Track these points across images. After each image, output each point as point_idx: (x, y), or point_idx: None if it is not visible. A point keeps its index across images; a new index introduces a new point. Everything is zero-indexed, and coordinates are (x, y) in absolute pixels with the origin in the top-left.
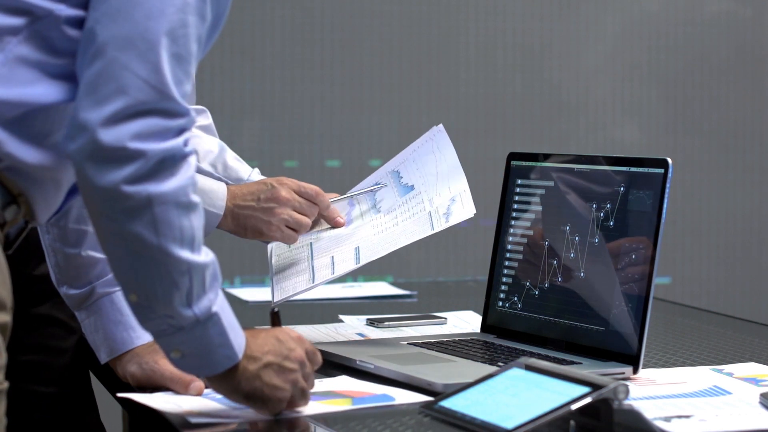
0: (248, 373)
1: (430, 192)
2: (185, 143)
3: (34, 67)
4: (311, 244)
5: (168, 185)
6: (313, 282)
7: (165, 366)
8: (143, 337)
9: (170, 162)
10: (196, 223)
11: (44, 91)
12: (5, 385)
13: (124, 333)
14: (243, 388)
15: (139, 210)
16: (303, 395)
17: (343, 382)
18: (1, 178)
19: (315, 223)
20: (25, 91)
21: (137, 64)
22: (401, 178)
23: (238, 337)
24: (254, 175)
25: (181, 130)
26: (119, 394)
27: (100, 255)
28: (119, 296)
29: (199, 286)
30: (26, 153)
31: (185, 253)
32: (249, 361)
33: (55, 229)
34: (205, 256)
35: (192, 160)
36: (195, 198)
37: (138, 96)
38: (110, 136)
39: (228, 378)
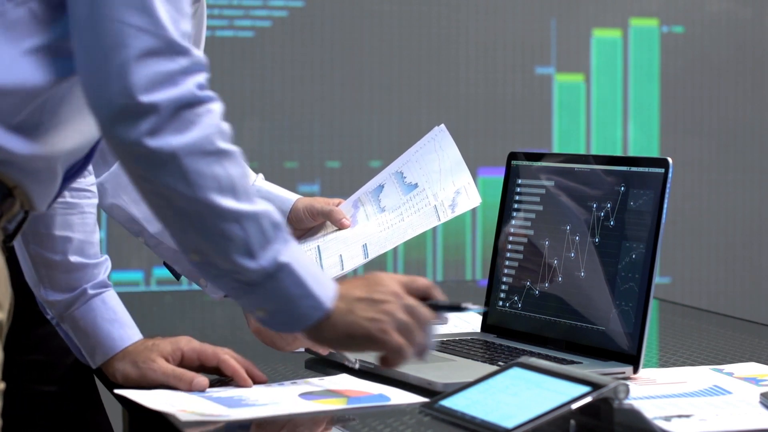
0: (340, 312)
1: (434, 188)
2: (199, 87)
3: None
4: (318, 246)
5: (190, 136)
6: None
7: (163, 364)
8: (138, 335)
9: (186, 110)
10: (233, 171)
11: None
12: (1, 385)
13: (120, 330)
14: (340, 328)
15: (166, 164)
16: (408, 330)
17: (342, 381)
18: None
19: (321, 227)
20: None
21: (125, 13)
22: (405, 178)
23: (323, 287)
24: (259, 180)
25: (187, 71)
26: (116, 391)
27: (88, 260)
28: (110, 295)
29: (259, 236)
30: (18, 145)
31: (228, 202)
32: (339, 300)
33: (40, 237)
34: (256, 205)
35: (214, 107)
36: (225, 145)
37: (136, 44)
38: (121, 93)
39: (323, 327)
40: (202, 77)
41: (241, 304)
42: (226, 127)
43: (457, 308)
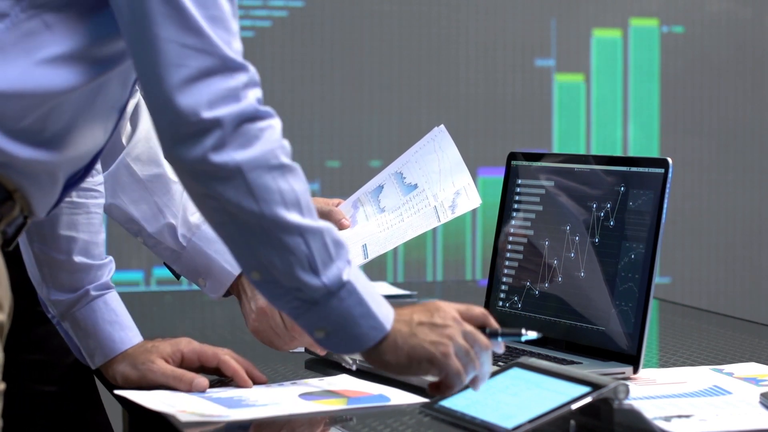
0: (403, 334)
1: (434, 188)
2: (258, 102)
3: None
4: None
5: (254, 150)
6: None
7: (163, 365)
8: (138, 337)
9: (248, 123)
10: (298, 186)
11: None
12: (2, 386)
13: (121, 332)
14: (402, 351)
15: (231, 180)
16: (467, 356)
17: (342, 382)
18: None
19: None
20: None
21: (179, 34)
22: (404, 178)
23: (383, 309)
24: None
25: (247, 85)
26: (116, 391)
27: (92, 261)
28: (112, 297)
29: (322, 252)
30: (19, 149)
31: (293, 216)
32: (400, 323)
33: (45, 236)
34: (318, 221)
35: (275, 123)
36: (288, 161)
37: (193, 64)
38: (183, 112)
39: (385, 350)
40: (259, 92)
41: (300, 324)
42: (286, 143)
43: (514, 335)
